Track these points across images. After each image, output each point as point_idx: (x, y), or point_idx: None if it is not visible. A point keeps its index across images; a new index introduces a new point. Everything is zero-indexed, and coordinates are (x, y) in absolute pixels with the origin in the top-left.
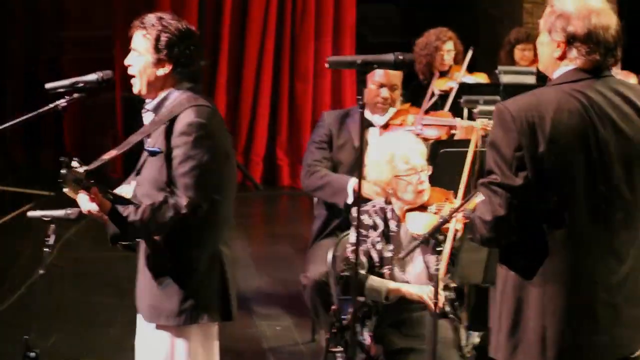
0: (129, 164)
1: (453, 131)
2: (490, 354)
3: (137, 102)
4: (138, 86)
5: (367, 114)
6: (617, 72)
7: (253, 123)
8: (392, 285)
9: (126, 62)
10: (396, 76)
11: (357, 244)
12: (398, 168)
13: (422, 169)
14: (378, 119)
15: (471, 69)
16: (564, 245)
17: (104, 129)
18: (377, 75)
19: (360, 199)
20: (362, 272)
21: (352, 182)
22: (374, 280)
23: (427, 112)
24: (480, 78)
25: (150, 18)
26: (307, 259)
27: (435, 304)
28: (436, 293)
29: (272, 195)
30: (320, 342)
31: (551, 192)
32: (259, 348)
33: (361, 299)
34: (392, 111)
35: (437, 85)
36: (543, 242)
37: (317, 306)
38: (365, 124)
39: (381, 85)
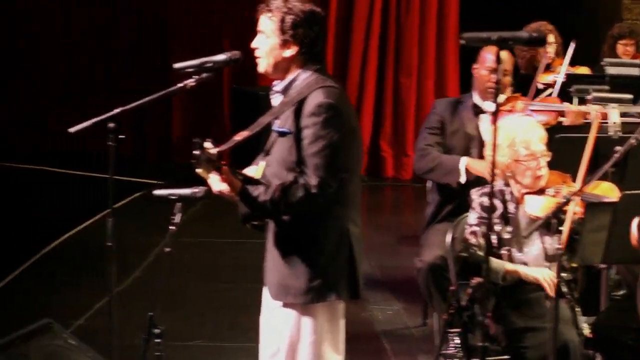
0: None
1: (561, 118)
2: None
3: (246, 95)
4: (264, 66)
5: (478, 100)
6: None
7: (358, 115)
8: (509, 266)
9: (253, 44)
10: (507, 62)
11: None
12: (518, 153)
13: (541, 154)
14: (489, 106)
15: (572, 63)
16: None
17: (211, 123)
18: (489, 61)
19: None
20: (480, 253)
21: (464, 160)
22: (492, 262)
23: (535, 98)
24: (583, 72)
25: (276, 1)
26: (422, 243)
27: (557, 284)
28: (558, 272)
29: (376, 186)
30: (431, 326)
31: None
32: (372, 331)
33: (478, 280)
34: (502, 98)
35: (542, 79)
36: None
37: (430, 290)
38: (477, 111)
39: (493, 71)
